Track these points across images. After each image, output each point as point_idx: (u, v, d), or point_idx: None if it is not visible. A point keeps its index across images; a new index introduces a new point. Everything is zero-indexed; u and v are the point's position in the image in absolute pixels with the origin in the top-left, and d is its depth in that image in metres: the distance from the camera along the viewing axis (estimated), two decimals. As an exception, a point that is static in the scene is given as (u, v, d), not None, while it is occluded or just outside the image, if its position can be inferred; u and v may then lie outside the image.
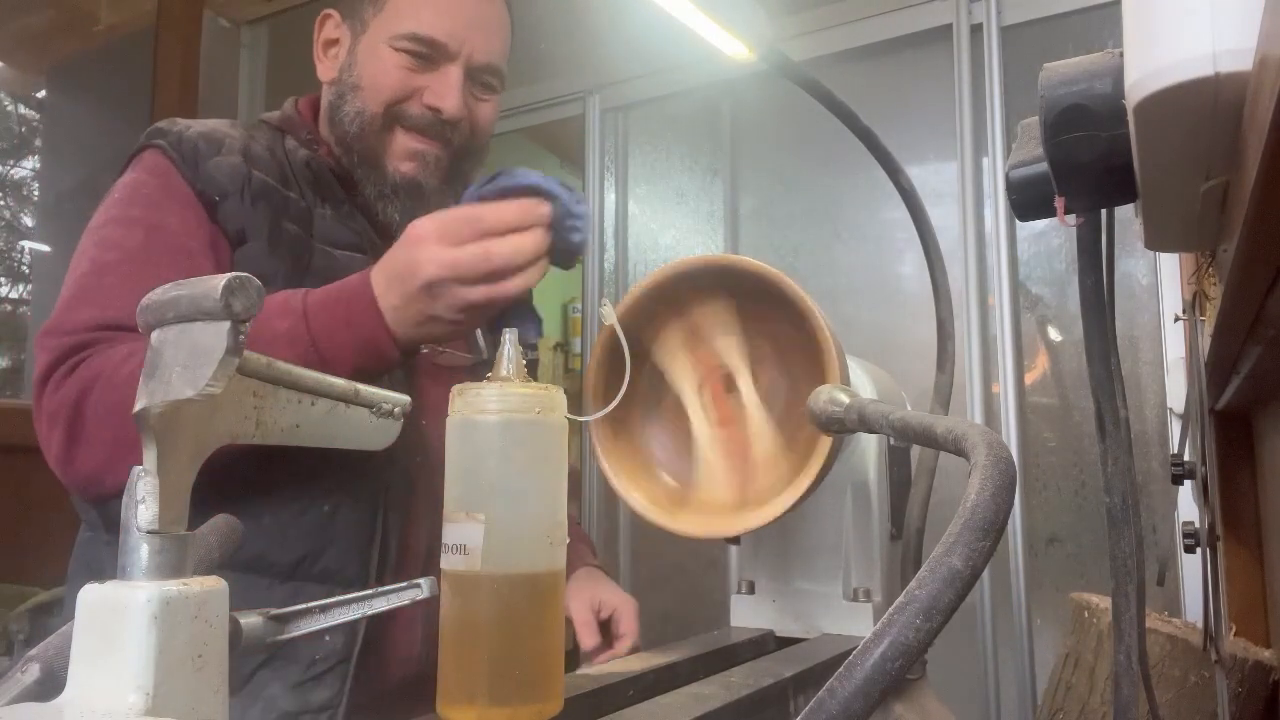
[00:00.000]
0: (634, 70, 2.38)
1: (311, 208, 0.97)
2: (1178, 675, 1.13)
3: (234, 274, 0.40)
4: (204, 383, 0.39)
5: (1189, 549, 0.98)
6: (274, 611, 0.48)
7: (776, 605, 0.91)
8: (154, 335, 0.42)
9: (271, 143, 1.00)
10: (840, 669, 0.31)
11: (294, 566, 0.87)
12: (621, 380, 0.73)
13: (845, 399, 0.57)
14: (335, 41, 1.04)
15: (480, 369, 1.01)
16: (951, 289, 0.97)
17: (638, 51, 2.32)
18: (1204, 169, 0.43)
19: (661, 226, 2.45)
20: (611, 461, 0.79)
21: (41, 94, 3.00)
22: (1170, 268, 1.68)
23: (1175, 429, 1.69)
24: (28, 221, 3.12)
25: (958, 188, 1.95)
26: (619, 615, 1.07)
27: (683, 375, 0.79)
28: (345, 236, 0.98)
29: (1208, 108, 0.37)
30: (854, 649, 0.31)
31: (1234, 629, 1.11)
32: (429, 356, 0.99)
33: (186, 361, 0.40)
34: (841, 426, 0.57)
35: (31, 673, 0.42)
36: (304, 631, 0.49)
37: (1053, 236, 1.88)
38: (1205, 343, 0.87)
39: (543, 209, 0.80)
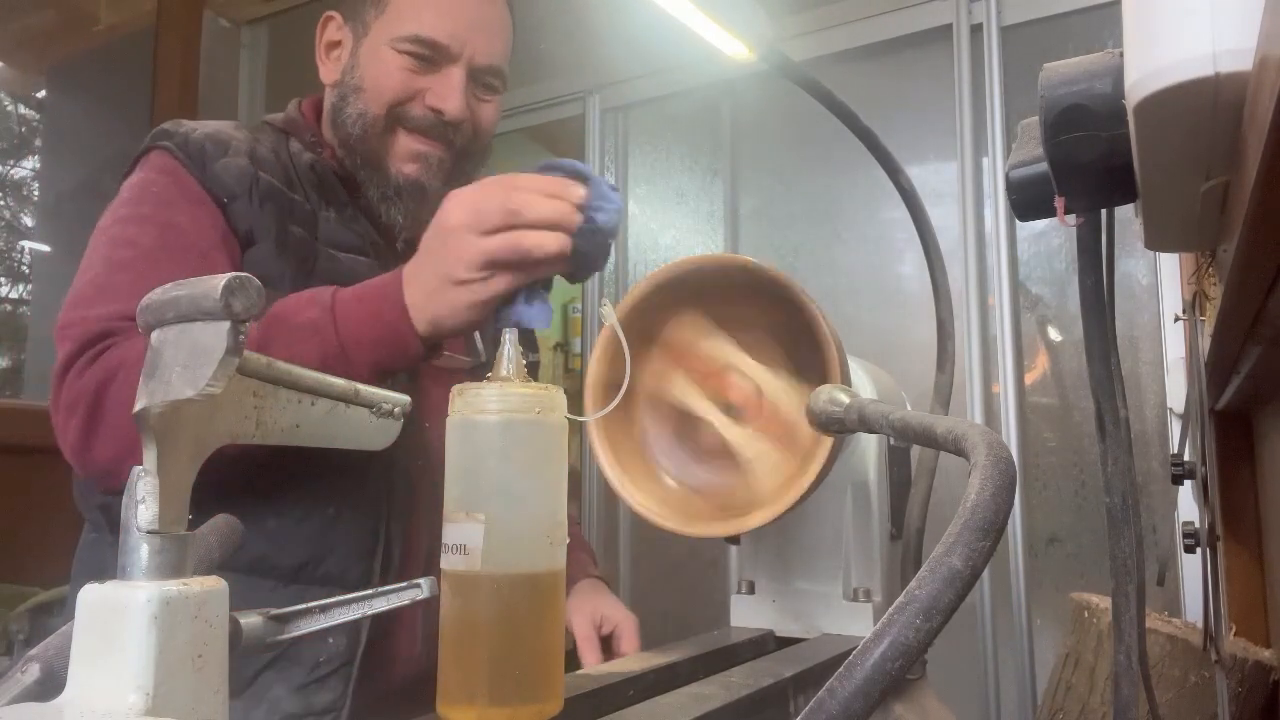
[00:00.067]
0: (634, 70, 2.38)
1: (316, 210, 0.97)
2: (1178, 675, 1.13)
3: (234, 274, 0.40)
4: (204, 383, 0.39)
5: (1189, 549, 0.98)
6: (274, 611, 0.48)
7: (776, 605, 0.91)
8: (154, 335, 0.42)
9: (276, 145, 1.00)
10: (840, 669, 0.31)
11: (297, 570, 0.87)
12: (621, 380, 0.73)
13: (845, 399, 0.57)
14: (337, 44, 1.04)
15: (481, 372, 1.01)
16: (951, 289, 0.97)
17: (638, 51, 2.32)
18: (1204, 169, 0.43)
19: (661, 226, 2.45)
20: (611, 462, 0.79)
21: (41, 94, 3.00)
22: (1170, 268, 1.68)
23: (1175, 429, 1.69)
24: (28, 221, 3.12)
25: (958, 188, 1.95)
26: (620, 632, 1.07)
27: (688, 392, 0.79)
28: (349, 239, 0.98)
29: (1208, 108, 0.37)
30: (854, 649, 0.31)
31: (1234, 629, 1.11)
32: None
33: (186, 361, 0.40)
34: (841, 426, 0.57)
35: (31, 673, 0.42)
36: (304, 631, 0.49)
37: (1053, 236, 1.88)
38: (1205, 343, 0.87)
39: (576, 188, 0.75)
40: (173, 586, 0.40)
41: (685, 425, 0.81)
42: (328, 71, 1.04)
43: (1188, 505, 1.25)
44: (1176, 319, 1.63)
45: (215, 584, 0.42)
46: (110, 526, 0.91)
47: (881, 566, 0.89)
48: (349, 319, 0.79)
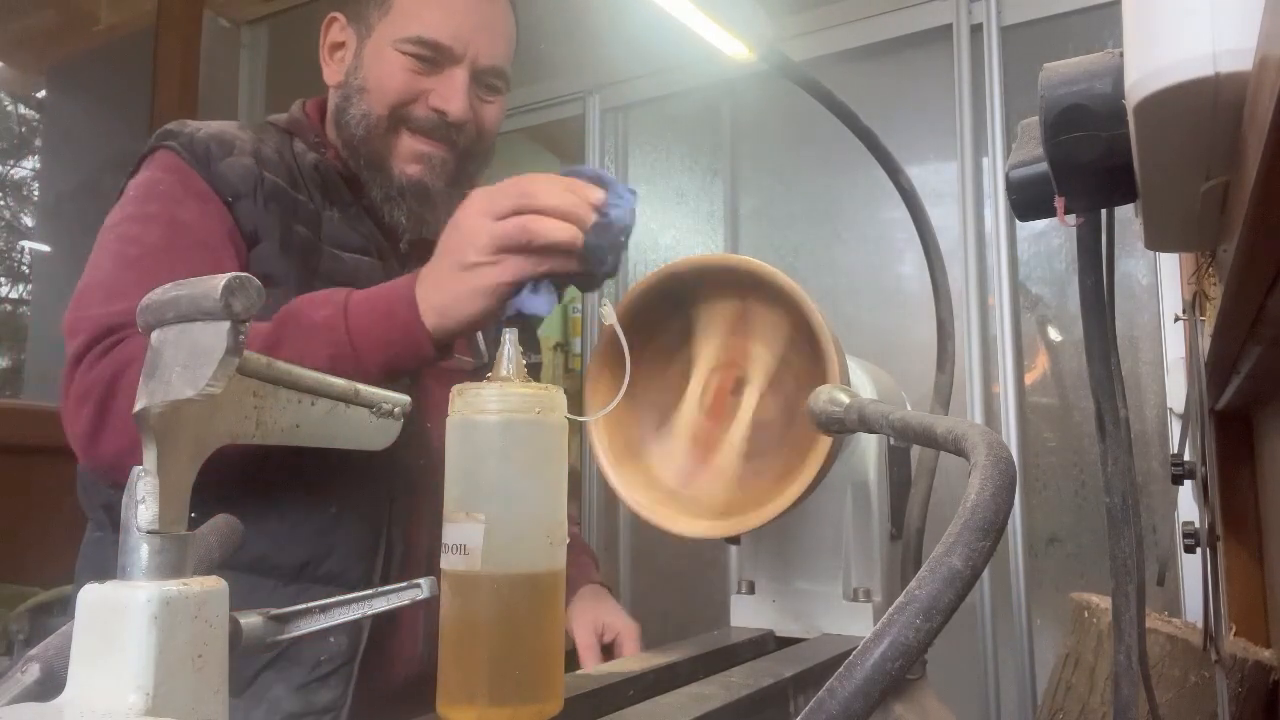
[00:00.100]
0: (634, 70, 2.38)
1: (320, 210, 0.98)
2: (1178, 675, 1.13)
3: (234, 274, 0.40)
4: (204, 383, 0.39)
5: (1189, 549, 0.98)
6: (274, 611, 0.48)
7: (776, 605, 0.91)
8: (154, 335, 0.42)
9: (280, 145, 1.00)
10: (840, 669, 0.31)
11: (299, 568, 0.87)
12: (621, 380, 0.73)
13: (845, 399, 0.57)
14: (341, 45, 1.04)
15: (482, 373, 1.01)
16: (951, 289, 0.97)
17: (638, 51, 2.32)
18: (1204, 169, 0.43)
19: (661, 226, 2.45)
20: (611, 461, 0.79)
21: (41, 94, 3.00)
22: (1170, 268, 1.68)
23: (1175, 429, 1.69)
24: (28, 221, 3.12)
25: (958, 188, 1.95)
26: (622, 640, 1.08)
27: (707, 353, 0.79)
28: (353, 239, 0.98)
29: (1208, 108, 0.37)
30: (854, 649, 0.31)
31: (1234, 629, 1.11)
32: None
33: (186, 361, 0.40)
34: (841, 426, 0.57)
35: (31, 673, 0.42)
36: (304, 631, 0.49)
37: (1053, 236, 1.88)
38: (1205, 343, 0.87)
39: (594, 189, 0.75)
40: (173, 586, 0.40)
41: (685, 426, 0.81)
42: (331, 72, 1.04)
43: (1188, 505, 1.25)
44: (1176, 319, 1.63)
45: (215, 584, 0.42)
46: (114, 526, 0.91)
47: (881, 566, 0.89)
48: (361, 318, 0.79)
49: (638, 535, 2.30)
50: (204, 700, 0.40)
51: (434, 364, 0.82)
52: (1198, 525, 0.98)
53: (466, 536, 0.56)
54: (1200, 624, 1.10)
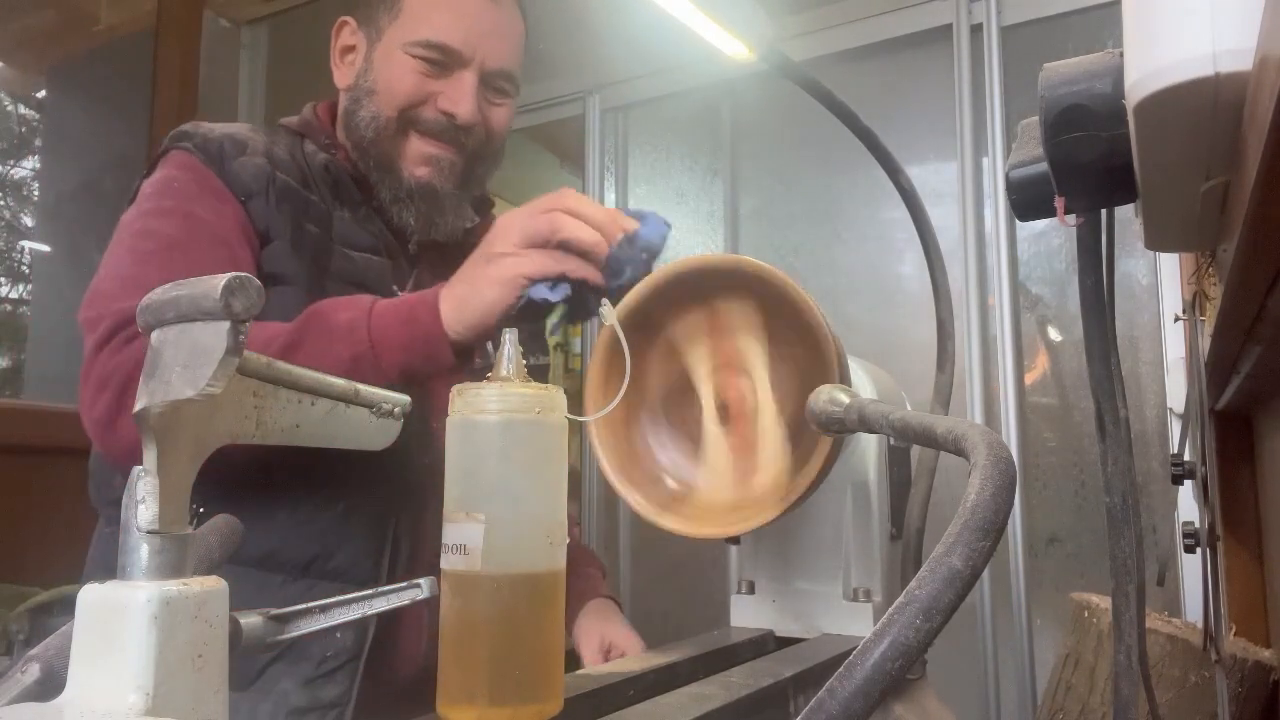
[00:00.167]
0: (634, 70, 2.38)
1: (330, 210, 0.99)
2: (1178, 675, 1.13)
3: (234, 274, 0.40)
4: (204, 383, 0.39)
5: (1189, 549, 0.98)
6: (274, 611, 0.48)
7: (776, 605, 0.91)
8: (154, 335, 0.42)
9: (292, 147, 1.01)
10: (840, 669, 0.31)
11: (307, 564, 0.88)
12: (621, 380, 0.73)
13: (845, 399, 0.57)
14: (352, 48, 1.06)
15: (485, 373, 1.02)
16: (951, 289, 0.97)
17: (638, 51, 2.32)
18: (1204, 169, 0.43)
19: (661, 226, 2.45)
20: (611, 461, 0.79)
21: (41, 94, 3.00)
22: (1170, 268, 1.68)
23: (1175, 429, 1.69)
24: (28, 221, 3.12)
25: (958, 188, 1.95)
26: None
27: (698, 360, 0.79)
28: (363, 239, 0.99)
29: (1208, 108, 0.37)
30: (854, 649, 0.31)
31: (1234, 629, 1.11)
32: None
33: (186, 361, 0.40)
34: (841, 426, 0.57)
35: (31, 673, 0.42)
36: (304, 631, 0.49)
37: (1053, 236, 1.88)
38: (1205, 343, 0.87)
39: (630, 220, 0.80)
40: (173, 586, 0.40)
41: (686, 425, 0.81)
42: (342, 75, 1.06)
43: (1188, 505, 1.25)
44: (1176, 319, 1.63)
45: (215, 584, 0.42)
46: None
47: (881, 566, 0.89)
48: (383, 322, 0.81)
49: (638, 535, 2.30)
50: (204, 700, 0.40)
51: (454, 371, 0.83)
52: (1198, 525, 0.98)
53: (466, 536, 0.56)
54: (1200, 624, 1.10)
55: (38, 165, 3.03)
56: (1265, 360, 0.64)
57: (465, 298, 0.80)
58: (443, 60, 0.99)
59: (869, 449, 0.91)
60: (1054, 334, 1.89)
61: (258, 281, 0.41)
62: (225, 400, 0.42)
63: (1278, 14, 0.30)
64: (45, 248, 2.97)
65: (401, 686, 0.92)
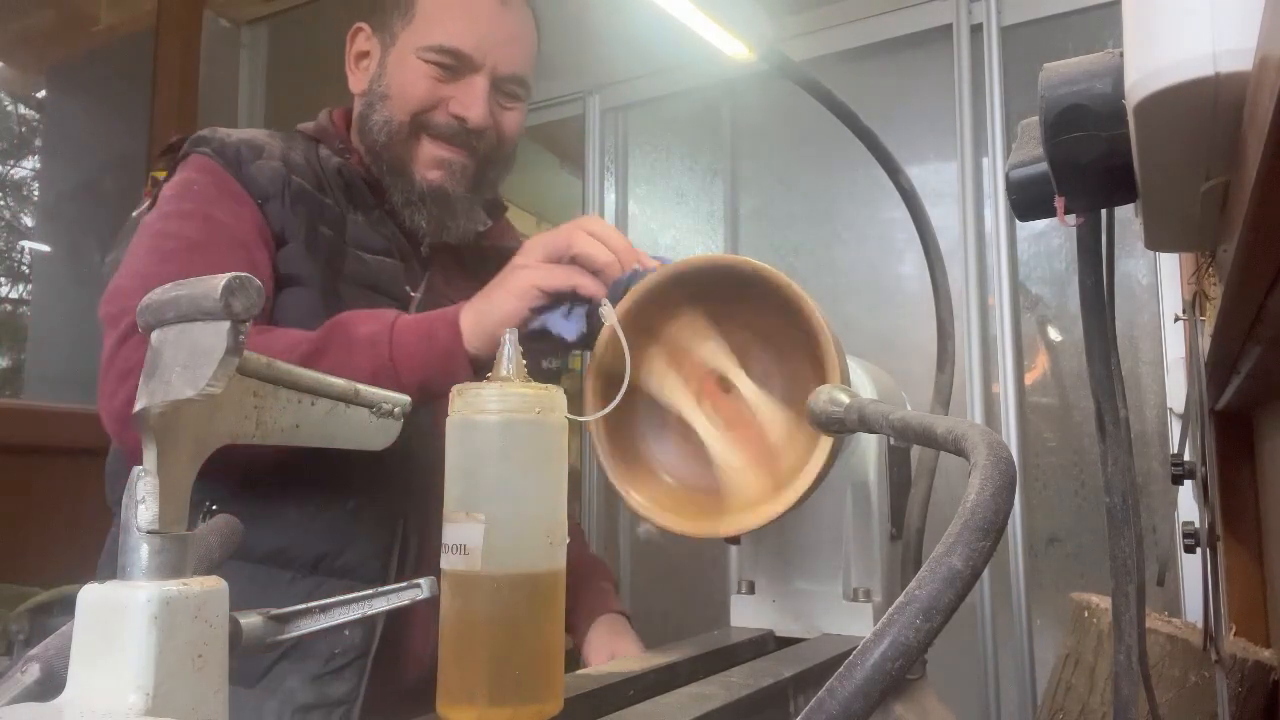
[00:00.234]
0: (634, 70, 2.38)
1: (344, 213, 1.00)
2: (1178, 675, 1.13)
3: (234, 274, 0.40)
4: (204, 383, 0.39)
5: (1189, 549, 0.98)
6: (274, 611, 0.48)
7: (776, 605, 0.91)
8: (154, 335, 0.42)
9: (307, 151, 1.03)
10: (840, 669, 0.31)
11: (316, 561, 0.89)
12: (621, 380, 0.73)
13: (845, 399, 0.57)
14: (366, 54, 1.07)
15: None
16: (951, 289, 0.97)
17: (638, 51, 2.32)
18: (1204, 169, 0.43)
19: (661, 226, 2.45)
20: (611, 461, 0.79)
21: (41, 94, 3.00)
22: (1170, 268, 1.68)
23: (1175, 429, 1.69)
24: (28, 221, 3.11)
25: (958, 188, 1.95)
26: None
27: (677, 394, 0.79)
28: (377, 242, 1.01)
29: (1208, 108, 0.37)
30: (854, 649, 0.31)
31: (1234, 629, 1.11)
32: None
33: (186, 361, 0.40)
34: (841, 426, 0.57)
35: (31, 673, 0.42)
36: (304, 631, 0.49)
37: (1053, 236, 1.88)
38: (1205, 343, 0.87)
39: (648, 257, 0.83)
40: (173, 586, 0.40)
41: (685, 425, 0.81)
42: (356, 81, 1.07)
43: (1188, 505, 1.25)
44: (1176, 319, 1.63)
45: (215, 584, 0.42)
46: None
47: (881, 566, 0.89)
48: (404, 337, 0.83)
49: (638, 535, 2.30)
50: (204, 700, 0.40)
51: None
52: (1198, 525, 0.98)
53: (466, 536, 0.56)
54: (1200, 624, 1.10)
55: (38, 165, 3.03)
56: (1265, 360, 0.64)
57: (483, 311, 0.82)
58: (455, 65, 1.00)
59: (869, 449, 0.91)
60: (1054, 334, 1.89)
61: (258, 281, 0.41)
62: (225, 400, 0.42)
63: (1278, 14, 0.30)
64: (45, 248, 2.97)
65: (409, 686, 0.93)
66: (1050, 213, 0.51)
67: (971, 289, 1.90)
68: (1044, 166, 0.48)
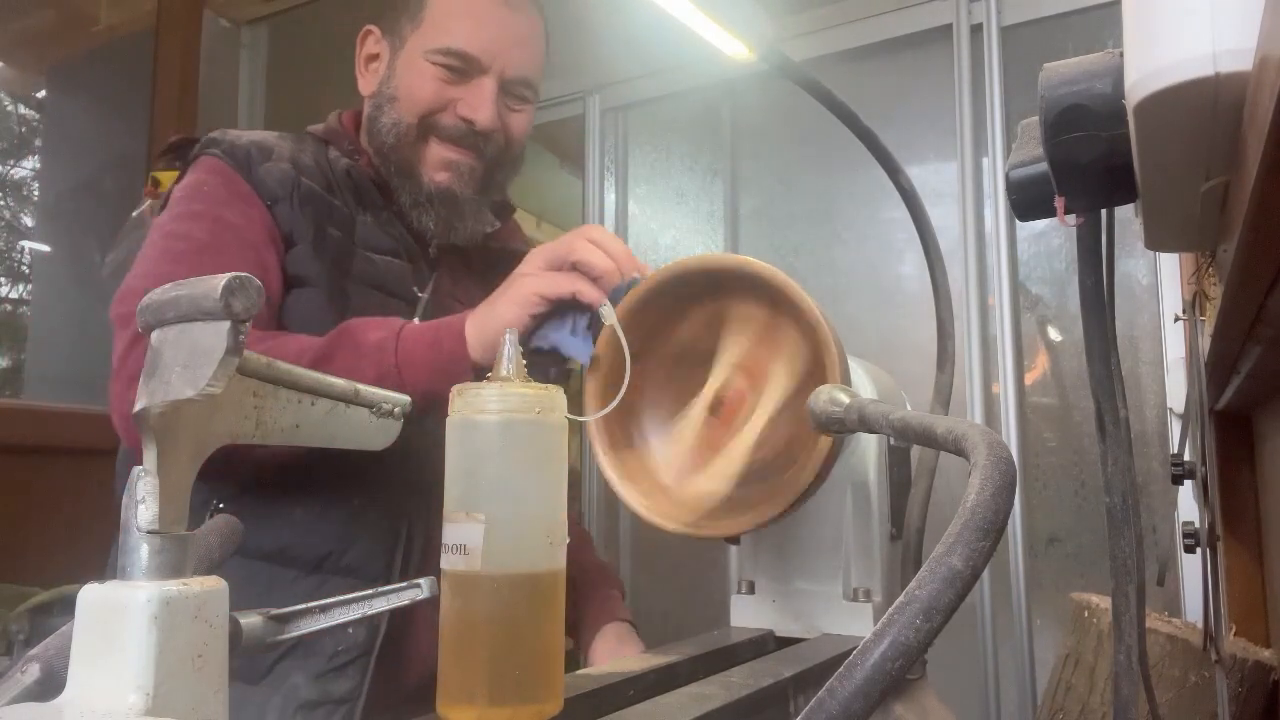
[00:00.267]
0: (634, 70, 2.38)
1: (353, 214, 1.01)
2: (1178, 675, 1.13)
3: (234, 274, 0.40)
4: (204, 383, 0.39)
5: (1189, 549, 0.98)
6: (274, 611, 0.48)
7: (776, 605, 0.91)
8: (154, 335, 0.42)
9: (316, 153, 1.03)
10: (840, 669, 0.31)
11: (320, 561, 0.90)
12: (621, 380, 0.73)
13: (845, 399, 0.57)
14: (375, 56, 1.08)
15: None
16: (951, 289, 0.97)
17: (638, 51, 2.31)
18: (1204, 169, 0.43)
19: (661, 226, 2.45)
20: (611, 461, 0.79)
21: (41, 94, 3.00)
22: (1170, 268, 1.68)
23: (1175, 429, 1.68)
24: (28, 221, 3.11)
25: (958, 188, 1.95)
26: None
27: (732, 351, 0.79)
28: (385, 243, 1.01)
29: (1208, 108, 0.37)
30: (854, 649, 0.31)
31: (1234, 629, 1.11)
32: None
33: (186, 361, 0.40)
34: (841, 426, 0.57)
35: (31, 673, 0.42)
36: (303, 631, 0.49)
37: (1053, 236, 1.88)
38: (1205, 343, 0.87)
39: (647, 267, 0.83)
40: (173, 586, 0.40)
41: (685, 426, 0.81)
42: (366, 83, 1.08)
43: (1188, 505, 1.25)
44: (1176, 319, 1.63)
45: (215, 584, 0.42)
46: None
47: (881, 566, 0.89)
48: (410, 344, 0.83)
49: (638, 535, 2.30)
50: (204, 700, 0.40)
51: None
52: (1198, 525, 0.98)
53: (466, 536, 0.56)
54: (1200, 624, 1.10)
55: (38, 165, 3.03)
56: (1265, 360, 0.64)
57: (487, 319, 0.83)
58: (463, 67, 1.01)
59: (869, 449, 0.91)
60: (1054, 334, 1.89)
61: (258, 281, 0.41)
62: (225, 400, 0.42)
63: (1278, 14, 0.30)
64: (45, 248, 2.97)
65: (412, 685, 0.93)
66: (1050, 213, 0.51)
67: (971, 289, 1.90)
68: (1044, 166, 0.48)
